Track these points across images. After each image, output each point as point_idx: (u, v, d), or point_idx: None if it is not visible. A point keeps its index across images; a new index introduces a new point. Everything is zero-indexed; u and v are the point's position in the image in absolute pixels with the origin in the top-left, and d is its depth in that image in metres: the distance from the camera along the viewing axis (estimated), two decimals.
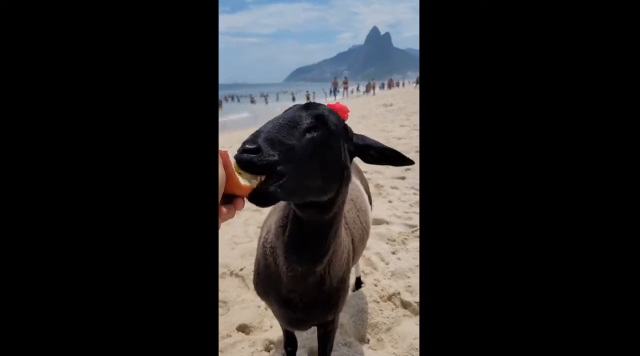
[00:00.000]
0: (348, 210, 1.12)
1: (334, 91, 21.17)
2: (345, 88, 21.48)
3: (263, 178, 0.55)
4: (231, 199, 0.52)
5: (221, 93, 29.86)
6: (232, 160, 0.51)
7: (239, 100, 28.21)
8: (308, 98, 25.23)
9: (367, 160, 0.77)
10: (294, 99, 26.28)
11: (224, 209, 0.48)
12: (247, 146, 0.54)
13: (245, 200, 0.54)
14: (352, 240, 1.07)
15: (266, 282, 0.97)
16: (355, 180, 1.35)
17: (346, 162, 0.73)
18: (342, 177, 0.72)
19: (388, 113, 9.89)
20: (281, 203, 0.91)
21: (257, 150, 0.54)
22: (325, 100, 22.20)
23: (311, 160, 0.62)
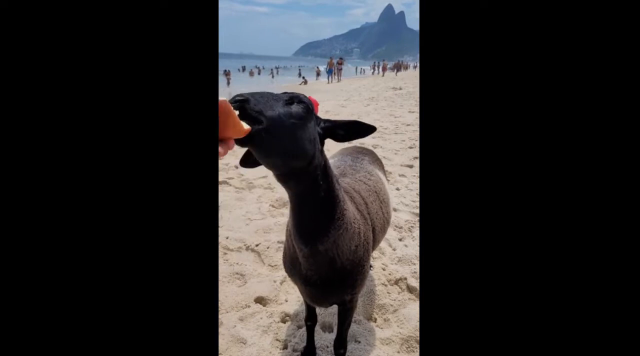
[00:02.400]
0: (372, 201, 1.22)
1: (329, 72, 19.45)
2: (339, 68, 19.61)
3: None
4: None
5: (229, 64, 29.03)
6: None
7: (244, 70, 27.26)
8: (318, 74, 24.21)
9: (338, 138, 0.89)
10: (300, 75, 25.25)
11: (220, 150, 0.54)
12: (237, 97, 0.67)
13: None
14: (374, 228, 1.17)
15: (290, 262, 1.09)
16: (379, 173, 1.44)
17: (316, 136, 0.83)
18: (314, 149, 0.81)
19: (397, 98, 9.80)
20: None
21: (247, 101, 0.66)
22: (314, 81, 20.79)
23: (288, 122, 0.73)
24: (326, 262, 0.97)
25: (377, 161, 1.62)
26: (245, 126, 0.63)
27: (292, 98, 0.77)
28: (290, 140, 0.74)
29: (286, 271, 1.15)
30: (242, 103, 0.66)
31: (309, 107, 0.78)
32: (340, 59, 19.91)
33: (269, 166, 0.78)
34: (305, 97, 0.82)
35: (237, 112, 0.62)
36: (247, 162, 0.91)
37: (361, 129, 0.87)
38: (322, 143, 0.87)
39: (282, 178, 0.83)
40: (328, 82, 18.45)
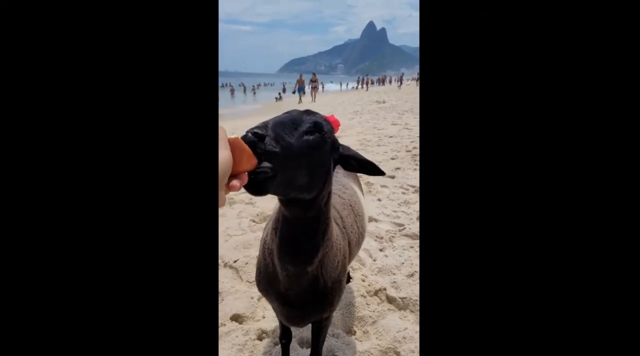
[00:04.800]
0: (346, 215, 1.20)
1: (299, 90, 16.64)
2: (314, 87, 16.69)
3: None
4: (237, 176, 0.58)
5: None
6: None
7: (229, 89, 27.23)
8: (294, 92, 23.45)
9: (347, 168, 0.88)
10: (284, 91, 24.88)
11: (237, 183, 0.53)
12: (256, 130, 0.63)
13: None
14: (349, 242, 1.15)
15: (266, 281, 1.04)
16: (354, 187, 1.43)
17: (330, 167, 0.82)
18: (325, 179, 0.80)
19: (380, 111, 9.98)
20: (276, 207, 0.99)
21: (263, 137, 0.63)
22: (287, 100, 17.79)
23: (303, 158, 0.71)
24: (309, 281, 0.94)
25: (351, 174, 1.61)
26: None
27: (315, 126, 0.74)
28: (301, 176, 0.72)
29: (260, 289, 1.10)
30: (257, 139, 0.62)
31: (326, 139, 0.76)
32: (313, 74, 16.92)
33: (275, 194, 0.76)
34: (328, 123, 0.79)
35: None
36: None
37: (372, 170, 0.86)
38: (333, 170, 0.85)
39: (286, 203, 0.81)
40: (299, 102, 15.37)
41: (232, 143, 0.52)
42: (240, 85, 30.08)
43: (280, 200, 0.82)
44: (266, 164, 0.63)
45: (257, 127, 0.64)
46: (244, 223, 2.58)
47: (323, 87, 32.29)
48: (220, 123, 0.51)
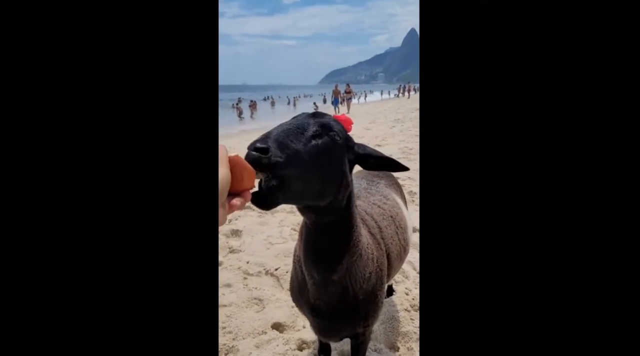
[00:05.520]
0: (386, 225, 1.15)
1: (335, 102, 15.39)
2: (348, 98, 15.51)
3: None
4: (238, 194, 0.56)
5: (256, 95, 30.41)
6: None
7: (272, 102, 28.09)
8: (325, 101, 22.73)
9: (367, 166, 0.83)
10: (324, 101, 24.82)
11: (237, 202, 0.52)
12: (258, 145, 0.59)
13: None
14: (389, 255, 1.10)
15: (297, 290, 1.02)
16: (396, 198, 1.38)
17: (345, 170, 0.77)
18: (340, 184, 0.76)
19: None
20: None
21: (266, 151, 0.59)
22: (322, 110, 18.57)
23: (313, 165, 0.66)
24: (338, 291, 0.91)
25: (394, 185, 1.54)
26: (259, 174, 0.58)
27: (323, 128, 0.71)
28: (313, 184, 0.69)
29: (293, 299, 1.09)
30: (260, 154, 0.58)
31: (336, 140, 0.72)
32: (347, 85, 15.81)
33: (288, 203, 0.74)
34: (338, 123, 0.76)
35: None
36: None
37: (393, 166, 0.83)
38: (351, 170, 0.82)
39: (303, 209, 0.79)
40: (335, 113, 15.72)
41: (232, 161, 0.51)
42: (279, 97, 31.03)
43: (298, 208, 0.80)
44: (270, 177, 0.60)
45: (258, 140, 0.60)
46: (285, 232, 2.61)
47: (366, 97, 32.17)
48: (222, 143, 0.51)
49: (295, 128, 0.68)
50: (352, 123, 0.82)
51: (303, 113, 0.76)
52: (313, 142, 0.68)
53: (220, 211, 0.47)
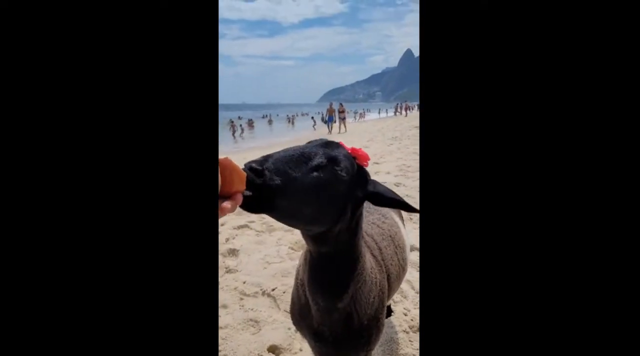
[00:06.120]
0: (385, 246, 1.14)
1: (329, 120, 15.29)
2: (342, 118, 15.19)
3: None
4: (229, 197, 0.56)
5: (255, 114, 30.82)
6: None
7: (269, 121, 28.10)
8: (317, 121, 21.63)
9: (377, 204, 0.81)
10: (323, 120, 25.35)
11: (228, 205, 0.51)
12: (253, 165, 0.58)
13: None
14: (388, 276, 1.08)
15: (299, 313, 1.00)
16: (394, 217, 1.37)
17: (346, 205, 0.74)
18: (338, 217, 0.73)
19: None
20: None
21: (260, 174, 0.58)
22: (312, 130, 17.45)
23: (308, 195, 0.64)
24: (342, 318, 0.89)
25: None
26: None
27: (329, 161, 0.68)
28: (305, 210, 0.66)
29: (294, 323, 1.06)
30: (253, 174, 0.58)
31: (339, 176, 0.68)
32: (341, 105, 15.42)
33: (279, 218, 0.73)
34: (347, 158, 0.72)
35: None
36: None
37: (404, 208, 0.79)
38: (360, 206, 0.79)
39: (302, 234, 0.78)
40: (329, 132, 14.51)
41: (222, 164, 0.51)
42: (277, 115, 31.32)
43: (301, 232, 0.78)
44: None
45: (255, 161, 0.60)
46: (283, 251, 2.59)
47: (364, 115, 32.53)
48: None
49: (300, 155, 0.66)
50: (369, 160, 0.78)
51: (317, 140, 0.74)
52: (314, 173, 0.65)
53: None
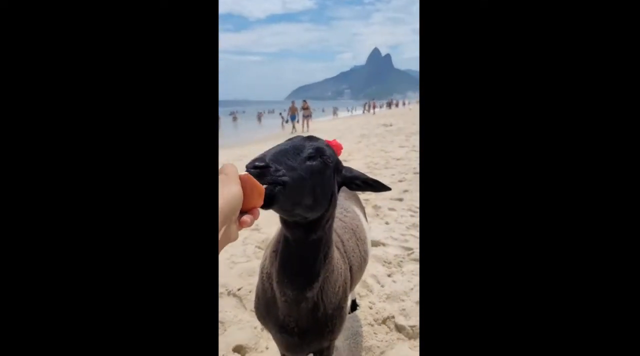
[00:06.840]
0: (347, 239, 1.18)
1: (291, 119, 15.11)
2: (306, 115, 14.81)
3: None
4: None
5: (221, 111, 30.18)
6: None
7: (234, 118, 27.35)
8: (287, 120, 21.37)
9: (352, 188, 0.89)
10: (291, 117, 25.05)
11: (247, 219, 0.54)
12: (257, 163, 0.64)
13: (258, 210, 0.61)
14: (350, 268, 1.12)
15: (264, 307, 1.01)
16: (355, 210, 1.41)
17: (334, 190, 0.84)
18: (329, 202, 0.82)
19: (388, 134, 10.03)
20: (277, 229, 0.98)
21: (266, 167, 0.65)
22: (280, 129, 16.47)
23: (307, 181, 0.72)
24: (309, 308, 0.92)
25: (353, 197, 1.58)
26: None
27: (317, 151, 0.77)
28: (306, 197, 0.74)
29: (258, 317, 1.07)
30: (262, 170, 0.64)
31: (327, 162, 0.78)
32: (304, 101, 15.22)
33: (282, 214, 0.78)
34: (329, 148, 0.82)
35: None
36: None
37: (377, 186, 0.88)
38: (338, 191, 0.87)
39: (291, 225, 0.82)
40: (292, 131, 14.36)
41: (243, 180, 0.53)
42: (243, 113, 30.73)
43: (283, 222, 0.82)
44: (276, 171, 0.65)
45: (256, 160, 0.65)
46: (249, 250, 2.55)
47: (335, 113, 32.86)
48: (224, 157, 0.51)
49: (292, 148, 0.73)
50: (342, 148, 0.89)
51: (299, 136, 0.82)
52: (308, 162, 0.74)
53: (233, 227, 0.50)
